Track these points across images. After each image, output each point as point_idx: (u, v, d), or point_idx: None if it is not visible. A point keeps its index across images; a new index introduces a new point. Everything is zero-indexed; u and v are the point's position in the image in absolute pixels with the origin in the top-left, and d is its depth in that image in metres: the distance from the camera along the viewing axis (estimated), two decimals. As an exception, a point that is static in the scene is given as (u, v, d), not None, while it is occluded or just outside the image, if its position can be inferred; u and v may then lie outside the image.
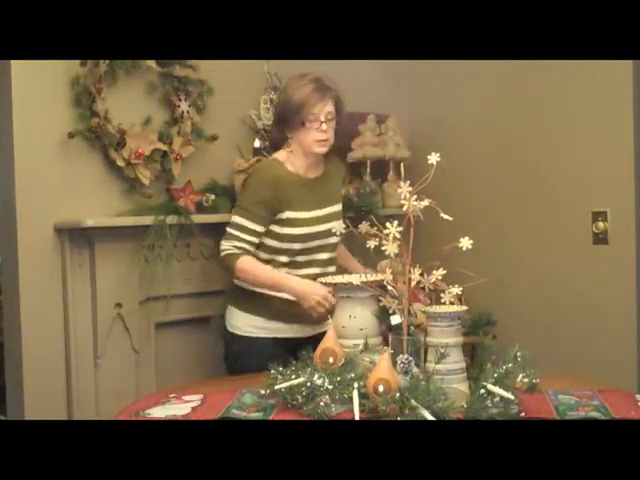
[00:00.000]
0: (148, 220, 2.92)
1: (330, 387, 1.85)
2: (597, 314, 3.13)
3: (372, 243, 2.03)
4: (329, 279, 2.17)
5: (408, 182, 1.97)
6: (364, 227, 2.05)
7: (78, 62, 2.83)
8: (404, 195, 1.95)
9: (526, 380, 1.88)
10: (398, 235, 1.94)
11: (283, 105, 2.56)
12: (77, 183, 2.91)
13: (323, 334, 2.10)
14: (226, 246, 2.55)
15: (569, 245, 3.22)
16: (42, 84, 2.83)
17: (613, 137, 3.06)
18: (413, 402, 1.73)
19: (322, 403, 1.82)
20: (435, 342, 1.91)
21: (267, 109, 3.29)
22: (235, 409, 1.96)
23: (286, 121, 2.54)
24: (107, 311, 2.91)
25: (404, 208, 1.94)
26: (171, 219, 2.95)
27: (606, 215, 3.09)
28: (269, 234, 2.55)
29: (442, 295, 2.01)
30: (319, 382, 1.86)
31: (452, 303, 2.00)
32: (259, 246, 2.56)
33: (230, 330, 2.67)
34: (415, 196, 1.95)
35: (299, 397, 1.88)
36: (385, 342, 2.05)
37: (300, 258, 2.56)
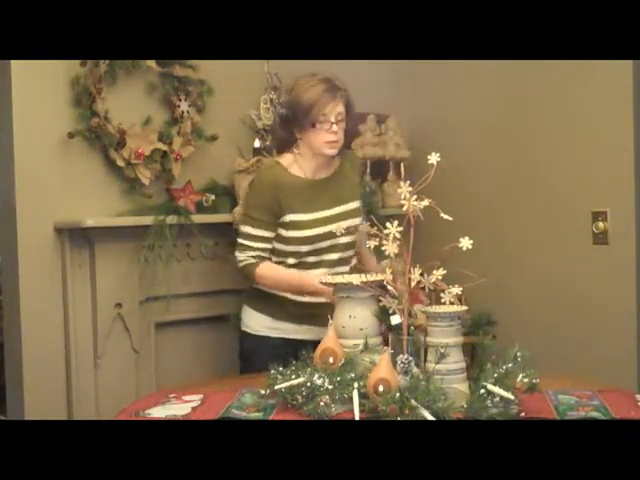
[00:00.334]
0: (148, 220, 2.92)
1: (330, 387, 1.85)
2: (597, 314, 3.12)
3: (372, 243, 2.03)
4: (329, 279, 2.16)
5: (408, 182, 1.97)
6: (364, 227, 2.05)
7: (78, 62, 2.84)
8: (404, 195, 1.95)
9: (526, 380, 1.88)
10: (398, 235, 1.94)
11: (292, 106, 2.50)
12: (77, 183, 2.92)
13: None
14: (241, 257, 2.54)
15: (569, 245, 3.22)
16: (42, 84, 2.83)
17: (613, 137, 3.05)
18: (413, 402, 1.73)
19: (322, 403, 1.82)
20: (435, 342, 1.91)
21: (267, 109, 3.29)
22: (235, 409, 1.96)
23: (295, 122, 2.50)
24: (107, 311, 2.92)
25: (404, 208, 1.94)
26: (171, 219, 2.95)
27: (606, 215, 3.09)
28: (276, 237, 2.53)
29: (442, 295, 2.01)
30: (319, 382, 1.86)
31: (452, 303, 2.00)
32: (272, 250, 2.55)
33: (242, 329, 2.68)
34: (415, 196, 1.95)
35: (299, 397, 1.88)
36: (385, 342, 2.04)
37: (310, 259, 2.53)
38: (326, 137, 2.46)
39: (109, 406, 2.69)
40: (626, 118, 3.01)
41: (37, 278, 2.85)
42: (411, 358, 1.91)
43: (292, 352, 2.12)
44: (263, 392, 1.98)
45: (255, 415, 1.91)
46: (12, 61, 2.77)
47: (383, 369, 1.81)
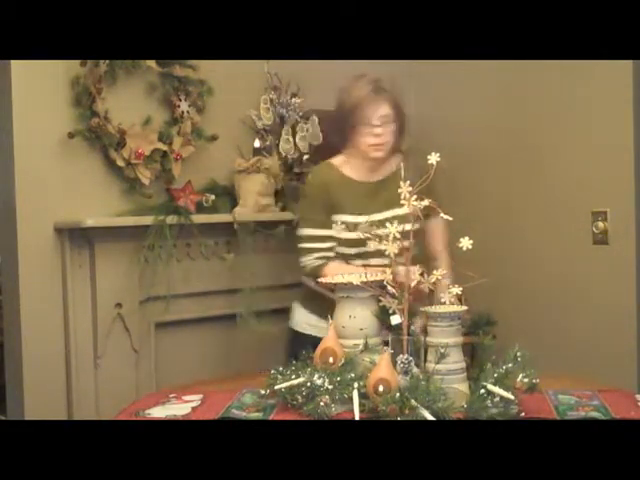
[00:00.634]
0: (148, 220, 2.92)
1: (330, 387, 1.85)
2: (597, 314, 3.12)
3: (372, 243, 2.03)
4: (329, 279, 2.16)
5: (408, 182, 1.97)
6: (364, 228, 2.05)
7: (78, 62, 2.84)
8: (404, 195, 1.95)
9: (526, 380, 1.88)
10: (398, 235, 1.94)
11: (338, 108, 2.50)
12: (77, 183, 2.92)
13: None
14: (308, 261, 2.51)
15: (569, 245, 3.22)
16: (42, 84, 2.83)
17: (613, 137, 3.05)
18: (413, 402, 1.73)
19: (322, 403, 1.82)
20: (435, 342, 1.91)
21: (267, 109, 3.29)
22: (235, 409, 1.96)
23: (342, 124, 2.48)
24: (107, 311, 2.92)
25: (404, 208, 1.94)
26: (171, 219, 2.95)
27: (606, 215, 3.09)
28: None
29: (442, 295, 2.01)
30: (319, 382, 1.86)
31: (452, 303, 2.00)
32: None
33: (289, 325, 2.69)
34: (415, 196, 1.95)
35: (299, 397, 1.88)
36: (385, 342, 2.04)
37: (357, 262, 2.48)
38: (369, 140, 2.43)
39: (109, 406, 2.69)
40: (626, 118, 3.01)
41: (37, 278, 2.85)
42: (411, 358, 1.91)
43: None
44: (263, 392, 1.98)
45: (255, 415, 1.91)
46: (12, 61, 2.77)
47: (383, 369, 1.81)
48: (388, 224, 1.94)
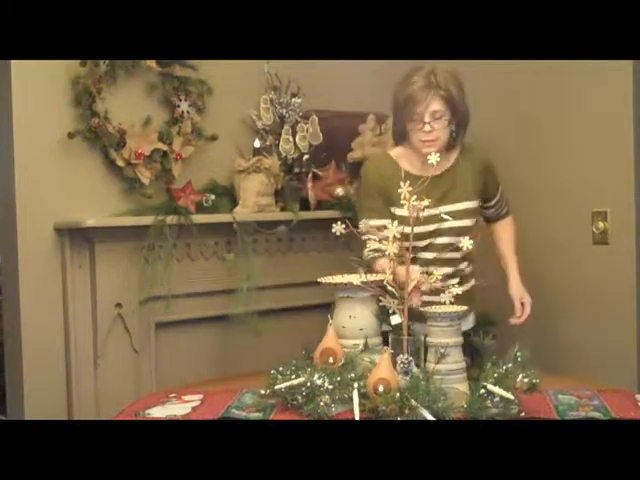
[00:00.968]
0: (148, 220, 2.92)
1: (330, 387, 1.85)
2: (597, 314, 3.12)
3: (372, 243, 2.03)
4: (329, 279, 2.16)
5: (408, 182, 1.97)
6: (365, 227, 2.05)
7: (78, 62, 2.84)
8: (404, 195, 1.95)
9: (526, 380, 1.88)
10: (398, 235, 1.94)
11: (393, 101, 2.44)
12: (77, 183, 2.92)
13: None
14: (365, 252, 2.39)
15: (569, 245, 3.21)
16: (42, 84, 2.83)
17: (613, 137, 3.05)
18: (413, 402, 1.73)
19: (322, 403, 1.82)
20: (435, 342, 1.91)
21: (267, 109, 3.29)
22: (235, 409, 1.96)
23: (397, 118, 2.44)
24: (107, 311, 2.92)
25: (404, 208, 1.94)
26: (171, 219, 2.95)
27: (606, 215, 3.09)
28: None
29: (442, 295, 2.01)
30: (319, 382, 1.86)
31: (452, 303, 2.00)
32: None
33: None
34: (415, 196, 1.95)
35: (299, 397, 1.88)
36: (385, 342, 2.05)
37: (420, 255, 2.42)
38: (420, 136, 2.38)
39: (109, 406, 2.69)
40: (626, 118, 3.01)
41: (37, 278, 2.85)
42: (411, 358, 1.91)
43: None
44: (263, 392, 1.98)
45: (255, 415, 1.91)
46: (12, 61, 2.77)
47: (383, 369, 1.81)
48: (388, 224, 1.94)
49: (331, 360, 1.94)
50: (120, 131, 2.93)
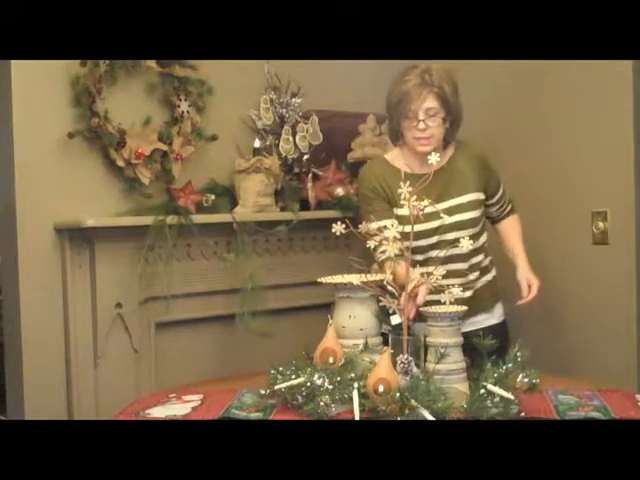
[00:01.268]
0: (148, 220, 2.92)
1: (330, 387, 1.85)
2: (597, 314, 3.12)
3: (372, 243, 2.03)
4: (329, 279, 2.16)
5: (408, 182, 1.97)
6: (364, 227, 2.05)
7: (78, 62, 2.84)
8: (404, 195, 1.95)
9: (526, 380, 1.88)
10: (398, 235, 1.93)
11: (387, 100, 2.45)
12: (77, 183, 2.92)
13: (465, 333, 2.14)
14: (377, 254, 2.37)
15: (569, 245, 3.21)
16: (42, 84, 2.83)
17: (613, 137, 3.05)
18: (413, 402, 1.73)
19: (322, 403, 1.82)
20: (435, 342, 1.91)
21: (267, 109, 3.29)
22: (235, 409, 1.96)
23: (391, 116, 2.45)
24: (107, 311, 2.92)
25: (404, 208, 1.94)
26: (171, 219, 2.95)
27: (606, 215, 3.09)
28: None
29: (442, 295, 2.01)
30: (319, 382, 1.86)
31: (452, 303, 2.00)
32: None
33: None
34: (415, 196, 1.95)
35: (299, 397, 1.88)
36: (385, 342, 2.04)
37: (417, 257, 2.40)
38: (414, 133, 2.38)
39: (109, 406, 2.69)
40: (626, 118, 3.01)
41: (37, 278, 2.85)
42: (411, 358, 1.91)
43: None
44: (263, 392, 1.98)
45: (255, 415, 1.91)
46: (12, 61, 2.77)
47: (383, 369, 1.81)
48: (388, 224, 1.94)
49: (331, 360, 1.94)
50: (120, 131, 2.93)
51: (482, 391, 1.79)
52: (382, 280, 2.05)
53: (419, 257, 2.42)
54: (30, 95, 2.82)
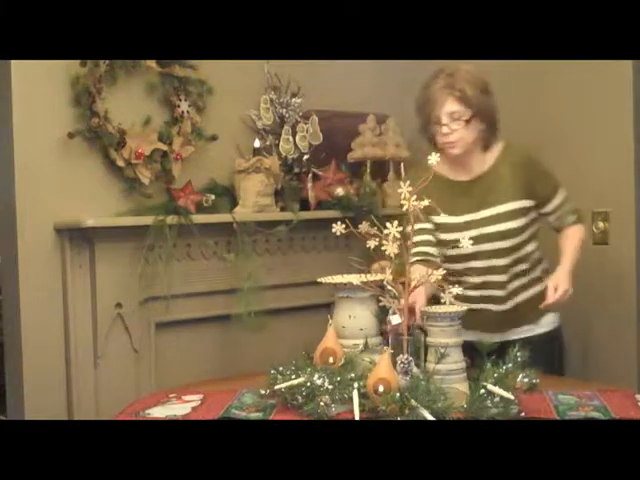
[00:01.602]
0: (148, 220, 2.92)
1: (330, 387, 1.85)
2: (597, 314, 3.12)
3: (372, 243, 2.02)
4: (329, 279, 2.16)
5: (408, 182, 1.97)
6: (364, 227, 2.05)
7: (78, 62, 2.84)
8: (404, 195, 1.95)
9: (526, 380, 1.88)
10: (398, 235, 1.93)
11: (415, 105, 2.42)
12: (77, 183, 2.92)
13: (503, 343, 2.15)
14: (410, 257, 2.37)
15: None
16: (42, 84, 2.83)
17: (613, 137, 3.05)
18: (413, 402, 1.73)
19: (322, 403, 1.82)
20: (435, 342, 1.91)
21: (267, 109, 3.29)
22: (235, 409, 1.96)
23: (420, 120, 2.41)
24: (107, 311, 2.92)
25: (404, 208, 1.94)
26: (171, 219, 2.95)
27: (606, 215, 3.09)
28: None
29: (442, 295, 2.01)
30: (319, 382, 1.86)
31: (452, 303, 2.00)
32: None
33: None
34: (415, 196, 1.95)
35: (299, 397, 1.88)
36: (385, 342, 2.04)
37: (457, 266, 2.40)
38: (442, 138, 2.34)
39: (109, 406, 2.69)
40: (626, 118, 3.01)
41: (37, 278, 2.85)
42: (411, 358, 1.91)
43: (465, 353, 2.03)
44: (263, 392, 1.98)
45: (255, 415, 1.91)
46: (12, 61, 2.76)
47: (383, 369, 1.81)
48: (388, 224, 1.94)
49: (331, 360, 1.94)
50: (120, 131, 2.93)
51: (482, 391, 1.79)
52: (382, 280, 2.05)
53: (457, 266, 2.39)
54: (30, 95, 2.82)
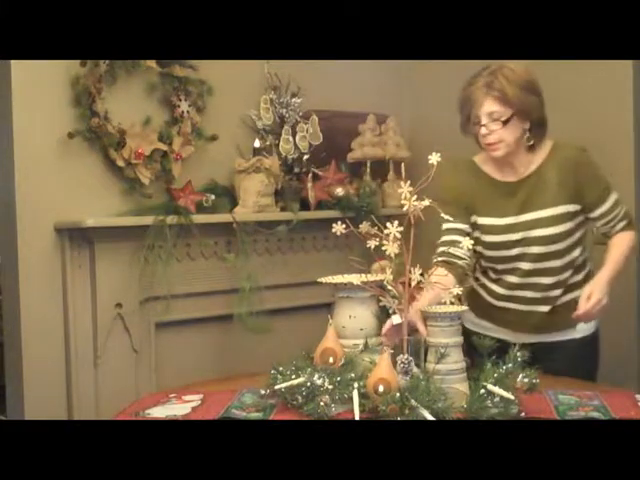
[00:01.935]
0: (148, 220, 2.93)
1: (330, 387, 1.85)
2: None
3: (372, 243, 2.02)
4: (329, 279, 2.16)
5: (409, 182, 1.96)
6: (364, 227, 2.05)
7: (78, 62, 2.84)
8: (404, 195, 1.95)
9: (526, 380, 1.88)
10: (398, 235, 1.93)
11: (458, 102, 2.30)
12: (77, 183, 2.92)
13: (538, 344, 2.16)
14: (433, 258, 2.31)
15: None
16: (42, 84, 2.84)
17: (613, 137, 3.05)
18: (413, 402, 1.73)
19: (322, 403, 1.82)
20: (435, 342, 1.91)
21: (267, 109, 3.29)
22: (235, 409, 1.96)
23: (462, 118, 2.30)
24: (107, 311, 2.92)
25: (404, 208, 1.94)
26: (171, 219, 2.95)
27: (606, 215, 3.09)
28: (475, 240, 2.32)
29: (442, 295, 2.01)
30: (319, 382, 1.86)
31: (452, 303, 2.00)
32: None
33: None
34: (415, 196, 1.94)
35: (299, 397, 1.88)
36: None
37: (499, 266, 2.34)
38: (481, 139, 2.26)
39: (109, 406, 2.69)
40: (626, 118, 3.01)
41: (37, 278, 2.85)
42: (411, 358, 1.91)
43: (493, 350, 2.01)
44: (263, 392, 1.98)
45: (255, 415, 1.91)
46: (12, 61, 2.77)
47: (383, 369, 1.81)
48: (388, 224, 1.94)
49: (331, 360, 1.94)
50: (120, 131, 2.93)
51: (482, 391, 1.79)
52: (382, 280, 2.05)
53: (499, 267, 2.34)
54: (30, 95, 2.82)
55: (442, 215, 1.95)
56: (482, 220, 2.33)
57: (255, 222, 3.15)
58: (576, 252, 2.34)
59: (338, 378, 1.86)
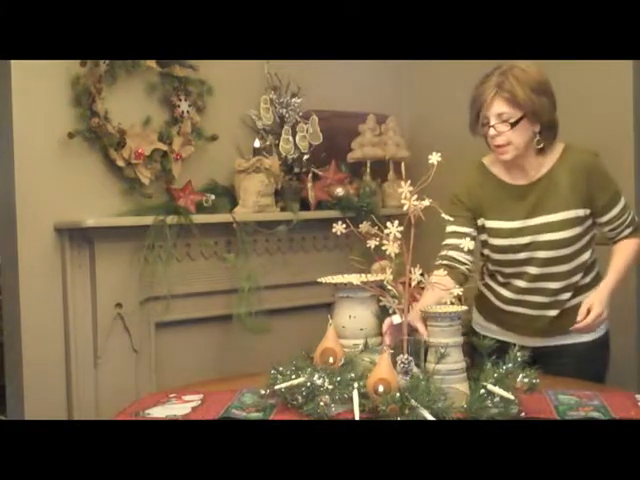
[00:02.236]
0: (148, 220, 2.93)
1: (330, 387, 1.85)
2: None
3: (372, 243, 2.02)
4: (329, 279, 2.16)
5: (409, 182, 1.96)
6: (364, 227, 2.05)
7: (78, 62, 2.84)
8: (404, 195, 1.95)
9: (526, 380, 1.88)
10: (399, 235, 1.93)
11: (470, 103, 2.26)
12: (77, 183, 2.92)
13: (546, 348, 2.18)
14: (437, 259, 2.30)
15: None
16: (42, 84, 2.84)
17: (613, 137, 3.05)
18: (413, 402, 1.73)
19: (322, 403, 1.82)
20: (435, 342, 1.91)
21: (267, 109, 3.29)
22: (235, 409, 1.96)
23: (471, 119, 2.26)
24: (107, 311, 2.92)
25: (404, 208, 1.94)
26: (171, 219, 2.95)
27: (606, 215, 3.09)
28: (482, 243, 2.35)
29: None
30: (319, 382, 1.86)
31: (452, 303, 2.00)
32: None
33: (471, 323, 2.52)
34: (415, 196, 1.94)
35: (299, 397, 1.88)
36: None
37: (507, 270, 2.32)
38: (490, 140, 2.23)
39: (109, 406, 2.69)
40: (626, 118, 3.01)
41: (37, 278, 2.85)
42: (411, 358, 1.91)
43: (502, 353, 2.00)
44: (263, 392, 1.98)
45: (255, 415, 1.91)
46: (12, 61, 2.77)
47: (383, 369, 1.81)
48: (388, 224, 1.94)
49: (331, 360, 1.94)
50: (120, 131, 2.94)
51: (482, 391, 1.79)
52: (382, 280, 2.05)
53: (507, 270, 2.32)
54: (30, 95, 2.82)
55: (442, 215, 1.95)
56: (490, 223, 2.31)
57: (255, 222, 3.15)
58: (585, 255, 2.32)
59: (338, 378, 1.86)
